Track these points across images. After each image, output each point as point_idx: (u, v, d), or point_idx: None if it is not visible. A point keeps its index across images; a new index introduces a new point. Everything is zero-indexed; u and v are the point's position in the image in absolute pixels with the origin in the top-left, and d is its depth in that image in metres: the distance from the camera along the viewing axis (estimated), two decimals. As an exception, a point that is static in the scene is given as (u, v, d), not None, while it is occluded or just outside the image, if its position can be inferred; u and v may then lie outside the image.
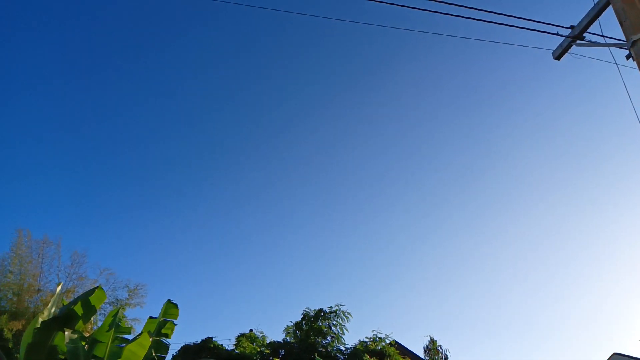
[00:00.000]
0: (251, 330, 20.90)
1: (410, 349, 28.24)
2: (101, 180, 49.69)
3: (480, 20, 7.35)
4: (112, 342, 8.68)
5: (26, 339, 8.11)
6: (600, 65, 8.25)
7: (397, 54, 52.80)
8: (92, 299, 8.38)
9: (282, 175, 56.33)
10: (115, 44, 48.24)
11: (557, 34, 7.90)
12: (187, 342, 19.73)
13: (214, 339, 19.44)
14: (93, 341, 8.72)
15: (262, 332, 20.82)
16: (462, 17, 7.33)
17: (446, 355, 23.83)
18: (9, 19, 39.68)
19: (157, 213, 52.04)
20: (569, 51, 8.05)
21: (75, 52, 46.50)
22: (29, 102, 43.77)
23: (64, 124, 47.86)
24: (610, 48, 7.68)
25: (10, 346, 19.70)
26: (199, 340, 19.22)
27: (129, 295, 25.60)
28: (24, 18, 42.32)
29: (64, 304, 9.33)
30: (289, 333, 20.96)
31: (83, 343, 8.63)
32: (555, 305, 55.55)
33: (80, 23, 45.62)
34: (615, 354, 22.73)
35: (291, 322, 21.13)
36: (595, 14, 7.59)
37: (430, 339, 24.30)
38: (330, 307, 20.59)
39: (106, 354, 8.46)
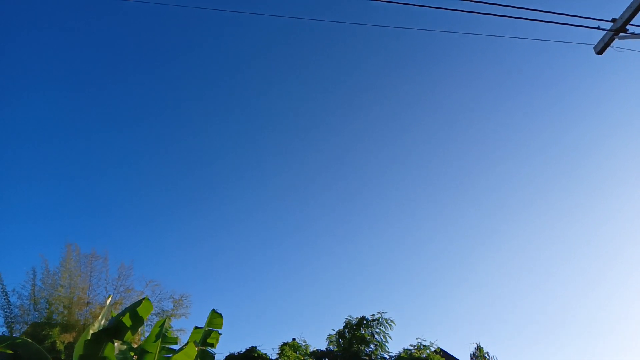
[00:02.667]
0: (294, 339, 20.94)
1: (456, 356, 27.71)
2: (146, 194, 50.93)
3: (519, 18, 7.22)
4: (160, 352, 8.84)
5: (78, 350, 8.33)
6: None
7: (431, 53, 52.34)
8: (140, 310, 8.55)
9: (318, 183, 56.46)
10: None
11: (598, 28, 7.68)
12: (232, 351, 19.94)
13: (257, 348, 19.57)
14: (141, 352, 8.90)
15: (304, 341, 20.84)
16: (500, 15, 7.22)
17: (494, 361, 23.22)
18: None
19: (202, 224, 52.93)
20: (611, 45, 7.81)
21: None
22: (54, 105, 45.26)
23: (111, 131, 49.32)
24: (656, 39, 7.42)
25: (62, 357, 20.32)
26: (244, 350, 19.39)
27: (174, 306, 26.01)
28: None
29: (113, 315, 9.55)
30: (331, 342, 20.89)
31: (132, 354, 8.83)
32: (614, 305, 53.39)
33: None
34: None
35: (334, 330, 21.10)
36: (638, 6, 7.34)
37: (477, 346, 23.77)
38: (373, 314, 20.45)
39: (154, 364, 8.62)
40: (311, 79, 54.32)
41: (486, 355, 23.27)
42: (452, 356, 26.90)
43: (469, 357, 23.80)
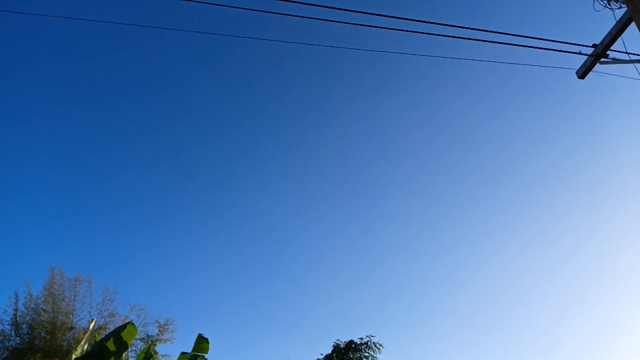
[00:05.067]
0: (282, 364, 20.70)
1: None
2: (128, 216, 50.46)
3: (501, 43, 7.37)
4: (145, 378, 8.71)
5: (60, 376, 8.19)
6: (626, 82, 8.16)
7: (419, 76, 52.99)
8: (124, 334, 8.45)
9: (306, 204, 56.38)
10: (129, 46, 49.45)
11: (579, 53, 7.87)
12: (218, 377, 19.64)
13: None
14: (126, 377, 8.76)
15: (293, 366, 20.59)
16: (481, 40, 7.37)
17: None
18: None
19: (186, 247, 52.44)
20: (593, 69, 8.01)
21: (85, 58, 47.55)
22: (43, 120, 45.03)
23: (95, 150, 49.01)
24: (635, 65, 7.61)
25: (44, 385, 19.84)
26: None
27: (159, 330, 25.61)
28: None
29: (97, 340, 9.41)
30: (320, 366, 20.66)
31: (116, 379, 8.67)
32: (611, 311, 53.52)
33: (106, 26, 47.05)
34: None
35: (322, 354, 20.86)
36: (617, 32, 7.55)
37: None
38: (361, 338, 20.30)
39: (139, 390, 8.48)
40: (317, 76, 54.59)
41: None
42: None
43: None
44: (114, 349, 8.22)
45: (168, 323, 25.60)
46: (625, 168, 51.18)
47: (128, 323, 8.46)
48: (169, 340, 25.43)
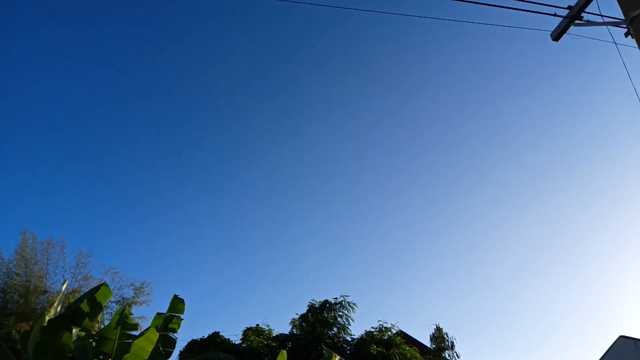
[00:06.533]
0: (258, 324, 20.94)
1: (416, 338, 28.31)
2: (103, 179, 49.73)
3: (476, 2, 7.31)
4: (120, 338, 8.71)
5: (34, 337, 8.13)
6: (600, 45, 8.21)
7: (386, 40, 52.58)
8: (98, 295, 8.39)
9: (285, 169, 56.34)
10: (123, 42, 48.12)
11: (554, 15, 7.86)
12: (195, 337, 19.82)
13: (221, 333, 19.52)
14: (101, 338, 8.74)
15: (268, 326, 20.89)
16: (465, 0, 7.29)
17: (453, 342, 23.82)
18: (8, 14, 39.47)
19: (161, 209, 52.12)
20: (567, 32, 8.01)
21: (80, 48, 46.32)
22: (30, 97, 43.70)
23: (65, 120, 47.86)
24: (609, 27, 7.64)
25: (18, 347, 19.79)
26: (206, 336, 19.30)
27: (135, 293, 25.60)
28: (23, 13, 42.19)
29: (70, 302, 9.35)
30: (295, 325, 20.98)
31: (91, 340, 8.66)
32: (562, 291, 55.62)
33: (93, 19, 45.44)
34: (622, 337, 22.74)
35: (297, 314, 21.18)
36: (592, -7, 7.54)
37: (437, 327, 24.32)
38: (336, 298, 20.63)
39: (114, 350, 8.48)
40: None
41: (445, 336, 23.85)
42: (412, 338, 27.48)
43: (429, 339, 24.34)
44: (88, 310, 8.17)
45: (144, 286, 25.59)
46: (600, 129, 52.17)
47: (102, 284, 8.38)
48: (144, 303, 25.49)
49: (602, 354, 23.22)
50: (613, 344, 22.78)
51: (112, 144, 49.89)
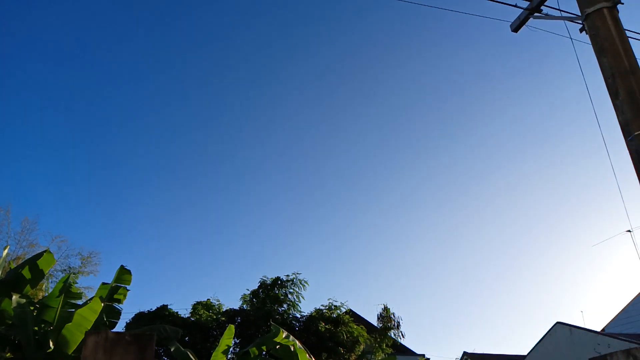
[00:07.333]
0: (209, 299, 20.82)
1: (364, 317, 28.91)
2: (53, 146, 47.99)
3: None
4: (62, 307, 8.51)
5: (-30, 303, 7.85)
6: (557, 39, 8.41)
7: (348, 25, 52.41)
8: (41, 262, 8.16)
9: (245, 142, 55.73)
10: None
11: (515, 6, 7.97)
12: (143, 309, 19.53)
13: (170, 306, 19.31)
14: (42, 306, 8.53)
15: (218, 300, 20.80)
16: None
17: (399, 322, 24.47)
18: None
19: (111, 180, 50.82)
20: (526, 24, 8.14)
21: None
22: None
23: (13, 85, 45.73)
24: (566, 22, 7.82)
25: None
26: (154, 308, 19.05)
27: (82, 263, 25.08)
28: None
29: (12, 268, 9.05)
30: (245, 301, 20.97)
31: (32, 308, 8.44)
32: (506, 279, 57.75)
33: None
34: (558, 323, 23.83)
35: (248, 290, 21.18)
36: (552, -13, 7.68)
37: (384, 307, 24.88)
38: (288, 275, 20.71)
39: (56, 319, 8.29)
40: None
41: (392, 316, 24.43)
42: (361, 317, 28.05)
43: (377, 318, 24.88)
44: (30, 277, 7.94)
45: (91, 256, 25.08)
46: (549, 120, 53.76)
47: (45, 251, 8.15)
48: (92, 273, 25.01)
49: (540, 338, 24.33)
50: (550, 329, 23.86)
51: (58, 106, 48.07)
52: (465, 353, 30.78)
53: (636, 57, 6.67)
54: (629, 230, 20.80)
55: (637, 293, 26.30)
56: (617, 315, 27.42)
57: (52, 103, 46.88)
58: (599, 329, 26.74)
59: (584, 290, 55.77)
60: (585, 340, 21.93)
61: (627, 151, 6.15)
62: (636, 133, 5.99)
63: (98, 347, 2.08)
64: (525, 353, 25.10)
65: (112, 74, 48.88)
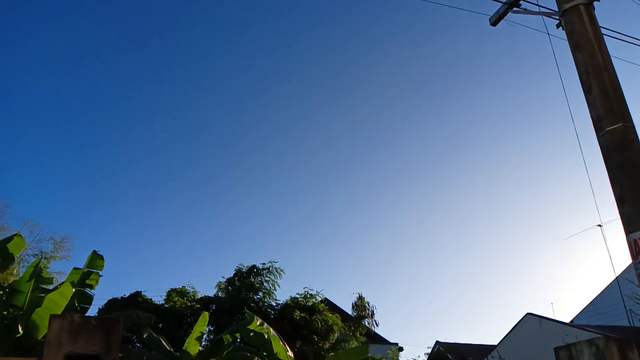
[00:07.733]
0: (183, 286, 20.71)
1: (340, 306, 29.13)
2: (26, 128, 46.97)
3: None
4: (33, 291, 8.38)
5: (-64, 286, 7.68)
6: (535, 34, 8.51)
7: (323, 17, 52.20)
8: (10, 246, 8.01)
9: (223, 131, 55.29)
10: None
11: (496, 0, 8.04)
12: (116, 295, 19.35)
13: (143, 293, 19.16)
14: (12, 290, 8.39)
15: (193, 288, 20.70)
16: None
17: (373, 311, 24.74)
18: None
19: (86, 165, 50.06)
20: (505, 18, 8.22)
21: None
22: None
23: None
24: (544, 17, 7.91)
25: None
26: (128, 294, 18.88)
27: (54, 248, 24.69)
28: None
29: (-21, 252, 8.86)
30: (220, 289, 20.90)
31: (0, 292, 8.29)
32: (475, 269, 58.73)
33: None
34: (528, 314, 24.32)
35: (224, 278, 21.11)
36: (531, -18, 7.75)
37: (359, 296, 25.09)
38: (264, 263, 20.68)
39: (26, 303, 8.16)
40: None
41: (367, 304, 24.66)
42: (336, 306, 28.24)
43: (351, 306, 25.08)
44: (-1, 261, 7.81)
45: (64, 241, 24.70)
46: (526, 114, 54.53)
47: (15, 235, 8.00)
48: (64, 258, 24.65)
49: (510, 328, 24.84)
50: (521, 320, 24.35)
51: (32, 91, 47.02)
52: (437, 342, 31.25)
53: (610, 54, 6.79)
54: (600, 225, 21.25)
55: (605, 286, 27.00)
56: (585, 307, 28.13)
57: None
58: (568, 321, 27.42)
59: (555, 282, 56.99)
60: (554, 331, 22.45)
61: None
62: (607, 129, 6.11)
63: (63, 330, 2.05)
64: (496, 343, 25.59)
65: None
